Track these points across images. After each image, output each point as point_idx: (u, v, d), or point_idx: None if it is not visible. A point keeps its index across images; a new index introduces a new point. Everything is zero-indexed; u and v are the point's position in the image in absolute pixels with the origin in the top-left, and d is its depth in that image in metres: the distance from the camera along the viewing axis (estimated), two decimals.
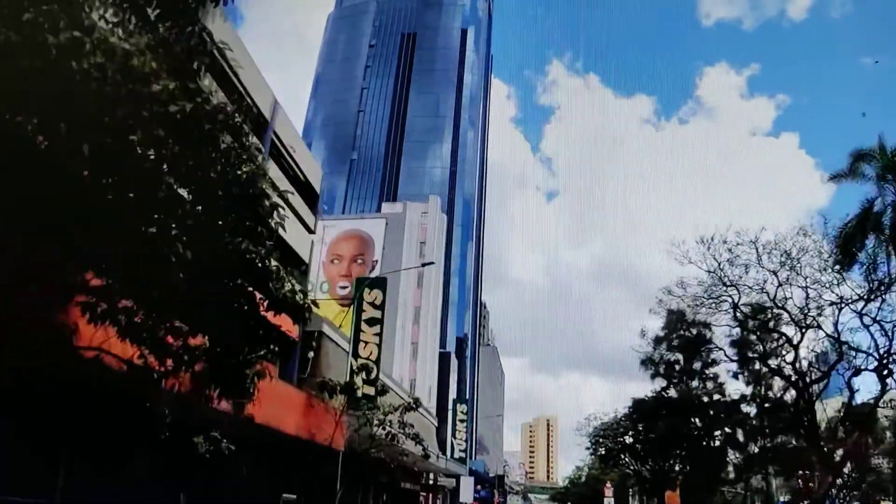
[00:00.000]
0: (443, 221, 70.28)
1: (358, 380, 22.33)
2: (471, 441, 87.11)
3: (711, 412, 40.46)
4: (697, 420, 40.96)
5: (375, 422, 20.78)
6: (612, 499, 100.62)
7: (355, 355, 22.49)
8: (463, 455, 52.20)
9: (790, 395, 37.40)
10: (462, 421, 53.69)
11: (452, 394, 66.62)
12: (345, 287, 58.66)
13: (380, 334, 24.94)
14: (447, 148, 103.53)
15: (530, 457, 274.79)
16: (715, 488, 45.66)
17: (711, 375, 41.37)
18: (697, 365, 42.05)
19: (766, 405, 37.39)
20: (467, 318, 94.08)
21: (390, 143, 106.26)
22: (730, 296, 29.77)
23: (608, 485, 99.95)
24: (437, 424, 50.51)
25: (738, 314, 29.58)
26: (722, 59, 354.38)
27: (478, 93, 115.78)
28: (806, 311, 27.99)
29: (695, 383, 41.15)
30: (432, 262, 62.44)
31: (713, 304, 30.10)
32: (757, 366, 38.03)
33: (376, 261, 58.53)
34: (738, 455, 40.51)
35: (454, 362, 72.38)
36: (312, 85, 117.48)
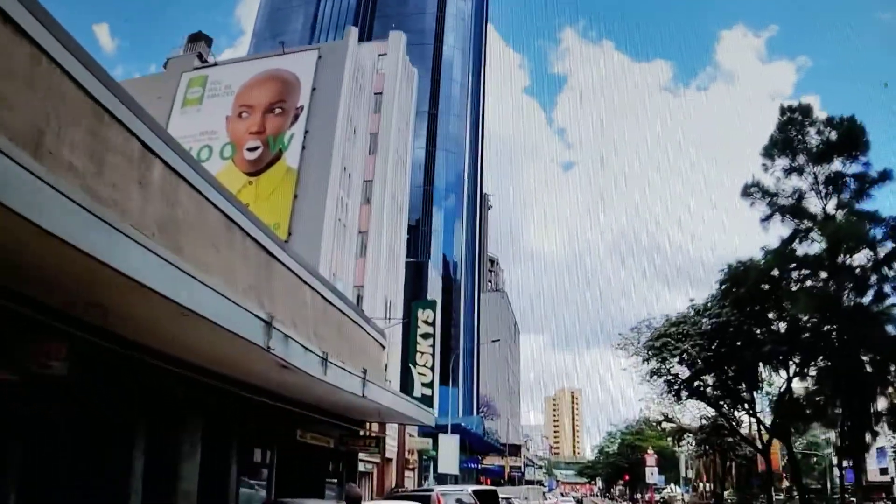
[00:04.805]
0: (412, 73, 49.12)
1: None
2: (469, 394, 66.65)
3: None
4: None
5: None
6: (657, 468, 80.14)
7: None
8: (429, 393, 31.50)
9: None
10: (426, 336, 32.82)
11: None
12: (254, 148, 38.73)
13: None
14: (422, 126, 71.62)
15: (555, 432, 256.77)
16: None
17: None
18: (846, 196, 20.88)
19: None
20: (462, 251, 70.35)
21: None
22: None
23: (650, 451, 79.50)
24: (385, 347, 30.24)
25: None
26: (738, 21, 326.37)
27: (466, 48, 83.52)
28: None
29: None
30: None
31: None
32: None
33: (301, 107, 38.54)
34: None
35: (433, 278, 51.34)
36: None
